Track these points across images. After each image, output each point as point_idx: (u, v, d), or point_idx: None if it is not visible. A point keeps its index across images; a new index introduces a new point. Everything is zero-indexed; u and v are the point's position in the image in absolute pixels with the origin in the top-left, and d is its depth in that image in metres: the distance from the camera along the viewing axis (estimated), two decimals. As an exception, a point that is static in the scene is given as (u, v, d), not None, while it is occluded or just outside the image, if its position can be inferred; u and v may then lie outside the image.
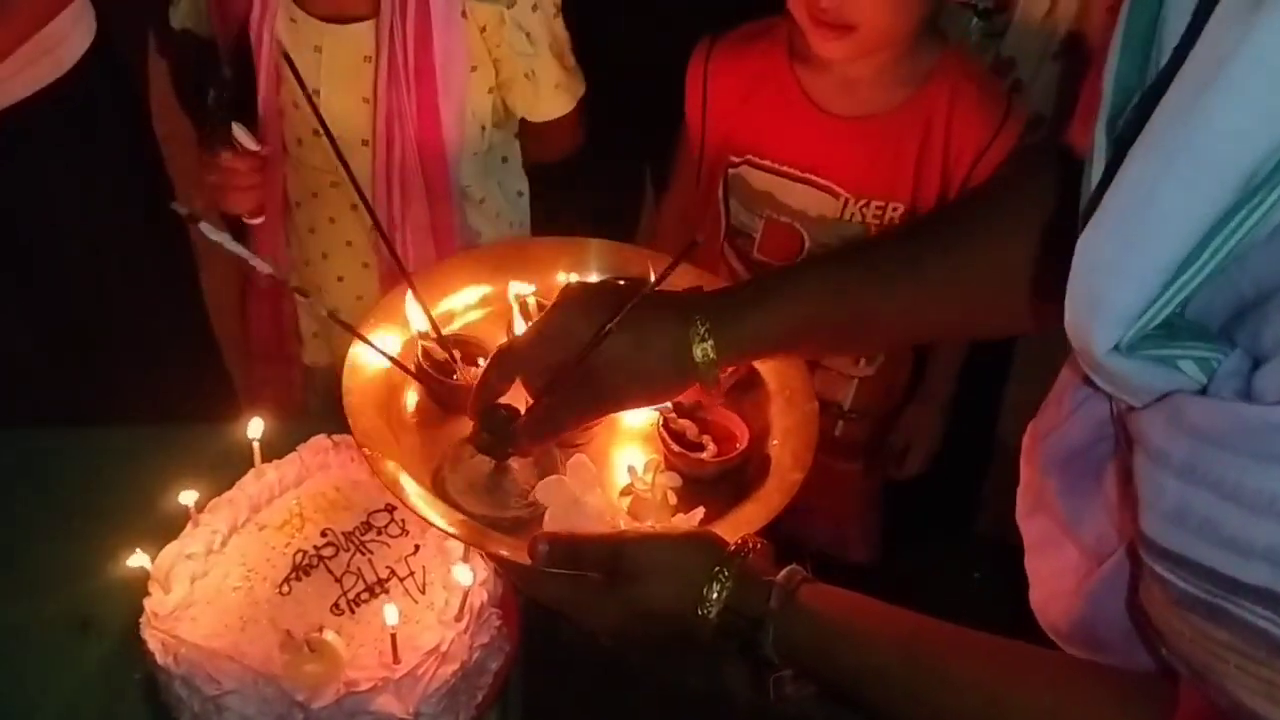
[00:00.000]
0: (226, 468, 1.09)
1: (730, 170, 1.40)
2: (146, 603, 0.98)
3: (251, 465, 1.08)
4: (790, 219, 1.39)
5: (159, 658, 0.95)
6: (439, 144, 1.34)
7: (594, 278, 1.00)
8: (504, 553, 0.80)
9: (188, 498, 1.04)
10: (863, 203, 1.36)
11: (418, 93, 1.30)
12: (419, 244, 1.38)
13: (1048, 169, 0.74)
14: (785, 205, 1.38)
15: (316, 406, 1.60)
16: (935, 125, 1.32)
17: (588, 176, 1.52)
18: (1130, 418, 0.57)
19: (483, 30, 1.33)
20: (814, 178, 1.36)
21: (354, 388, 0.89)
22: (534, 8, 1.34)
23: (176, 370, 1.60)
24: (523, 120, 1.44)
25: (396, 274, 1.37)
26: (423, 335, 0.95)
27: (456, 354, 0.94)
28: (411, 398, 0.95)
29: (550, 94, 1.39)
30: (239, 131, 1.28)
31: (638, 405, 0.89)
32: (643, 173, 1.75)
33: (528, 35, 1.34)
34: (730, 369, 0.89)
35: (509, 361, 0.87)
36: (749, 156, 1.39)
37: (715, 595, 0.77)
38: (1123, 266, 0.54)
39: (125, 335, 1.58)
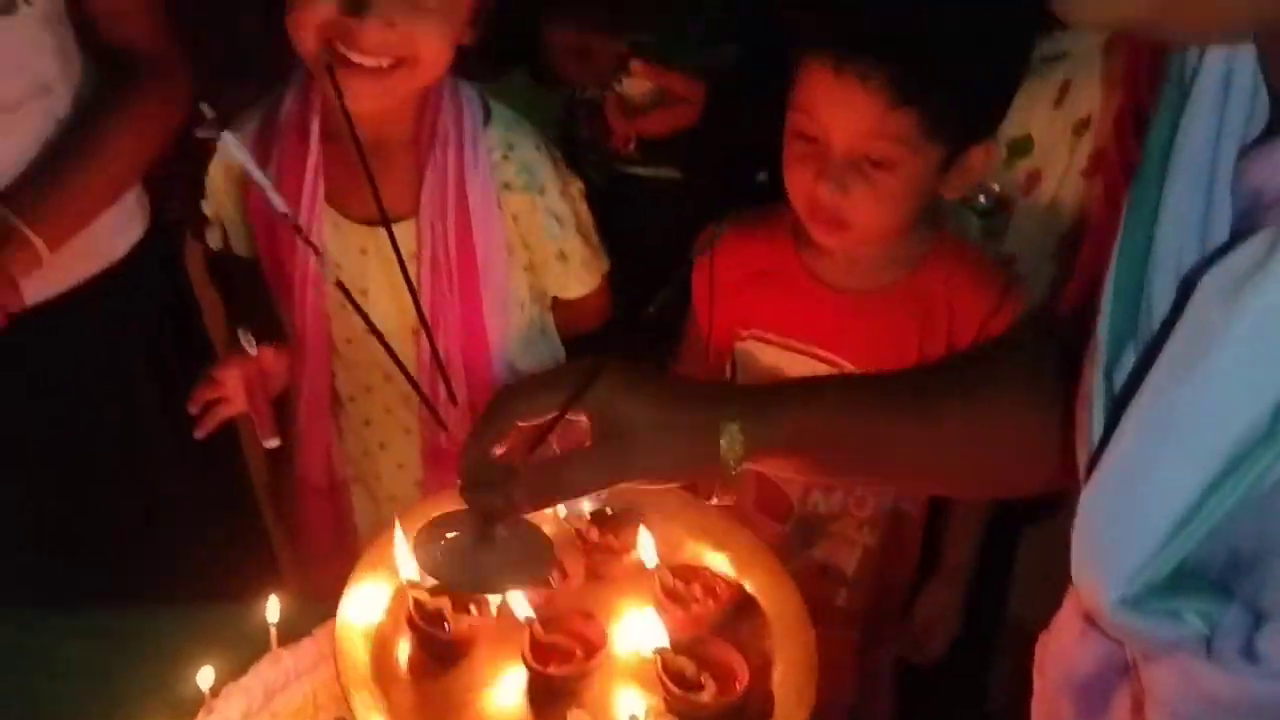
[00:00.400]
0: (246, 647, 1.09)
1: (737, 345, 1.45)
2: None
3: (268, 647, 1.08)
4: None
5: None
6: (480, 329, 1.42)
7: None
8: None
9: (204, 678, 1.04)
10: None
11: (460, 281, 1.38)
12: (465, 425, 1.41)
13: (1053, 334, 0.79)
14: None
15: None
16: (935, 301, 1.37)
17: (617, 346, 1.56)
18: (1142, 668, 0.61)
19: (515, 218, 1.41)
20: (818, 351, 1.40)
21: (344, 648, 0.91)
22: (561, 194, 1.42)
23: (214, 549, 1.61)
24: (555, 297, 1.52)
25: (440, 459, 1.43)
26: (412, 584, 0.95)
27: (447, 603, 0.94)
28: (404, 649, 0.96)
29: (579, 272, 1.48)
30: (244, 338, 1.35)
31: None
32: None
33: (557, 219, 1.42)
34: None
35: (511, 402, 0.81)
36: (755, 331, 1.44)
37: None
38: (1123, 528, 0.57)
39: (160, 515, 1.60)
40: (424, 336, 1.37)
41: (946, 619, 1.53)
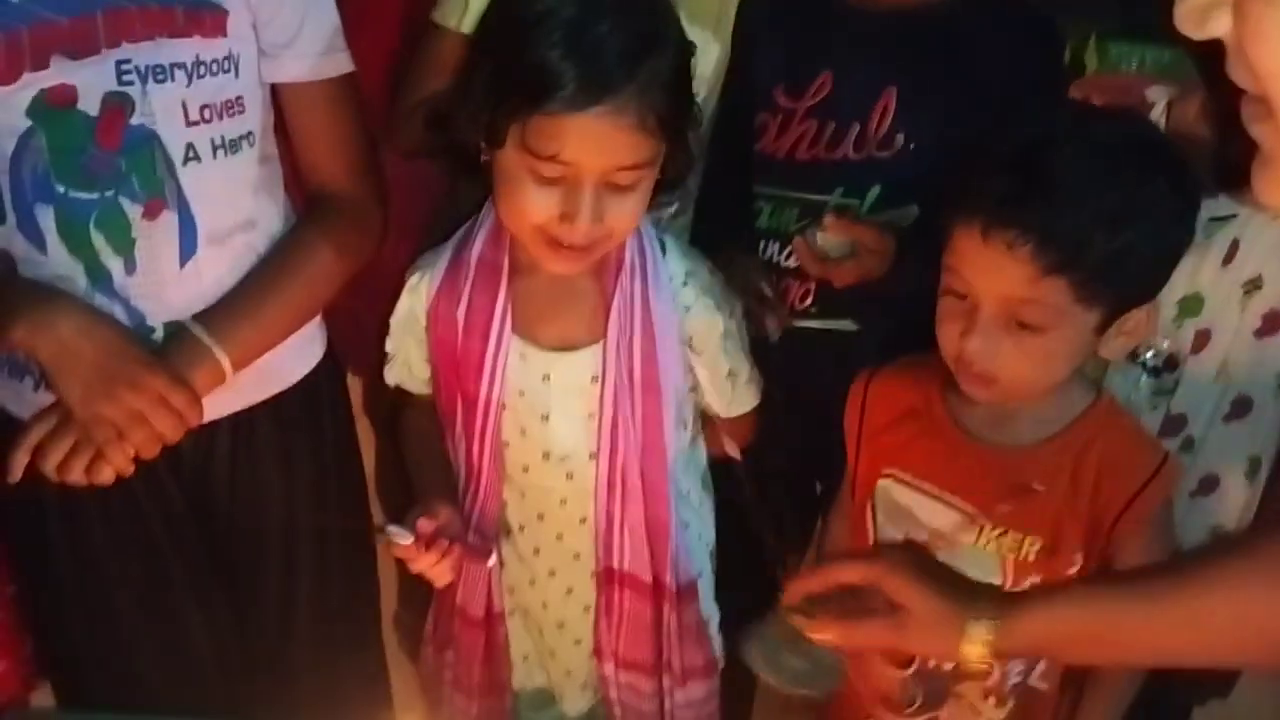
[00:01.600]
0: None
1: (878, 483, 1.45)
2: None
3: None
4: (927, 538, 1.41)
5: None
6: (660, 449, 1.45)
7: None
8: None
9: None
10: (999, 531, 1.37)
11: (643, 405, 1.42)
12: (635, 543, 1.46)
13: None
14: (923, 523, 1.41)
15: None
16: (1083, 466, 1.34)
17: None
18: None
19: (691, 340, 1.47)
20: (951, 498, 1.39)
21: None
22: (731, 315, 1.49)
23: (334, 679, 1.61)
24: (709, 417, 1.55)
25: (614, 581, 1.46)
26: None
27: None
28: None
29: (744, 390, 1.53)
30: (393, 532, 1.33)
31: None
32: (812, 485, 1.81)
33: (731, 340, 1.49)
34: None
35: (837, 562, 1.08)
36: (895, 471, 1.44)
37: None
38: None
39: (303, 648, 1.62)
40: (603, 458, 1.41)
41: None
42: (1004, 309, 1.25)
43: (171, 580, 1.52)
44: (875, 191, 1.61)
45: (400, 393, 1.59)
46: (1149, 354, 1.53)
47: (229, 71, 1.35)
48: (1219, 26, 0.53)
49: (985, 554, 1.38)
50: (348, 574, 1.64)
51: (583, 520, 1.49)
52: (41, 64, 1.24)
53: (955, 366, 1.32)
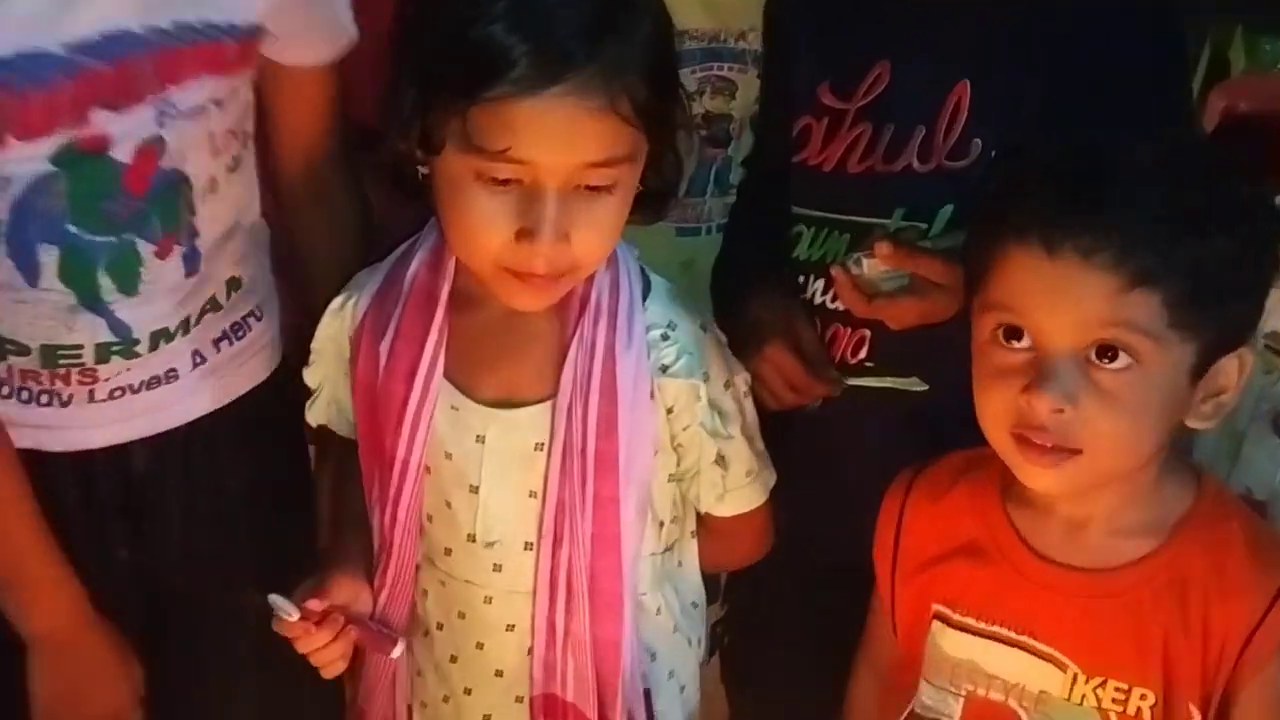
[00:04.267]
0: None
1: (929, 626, 1.19)
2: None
3: None
4: (1003, 695, 1.15)
5: None
6: (615, 542, 1.18)
7: None
8: None
9: None
10: (1097, 683, 1.11)
11: (596, 484, 1.16)
12: (579, 669, 1.20)
13: None
14: (995, 678, 1.15)
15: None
16: (1190, 590, 1.09)
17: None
18: None
19: (669, 411, 1.20)
20: (1032, 642, 1.13)
21: None
22: (726, 385, 1.22)
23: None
24: (701, 517, 1.28)
25: (556, 714, 1.20)
26: None
27: None
28: None
29: (740, 483, 1.24)
30: (275, 601, 1.16)
31: None
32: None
33: (721, 414, 1.21)
34: None
35: None
36: (944, 612, 1.18)
37: None
38: None
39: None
40: (544, 550, 1.16)
41: None
42: (1083, 343, 1.03)
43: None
44: (947, 212, 1.31)
45: (324, 435, 1.37)
46: None
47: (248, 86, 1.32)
48: None
49: (1084, 711, 1.13)
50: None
51: (510, 628, 1.22)
52: (80, 119, 1.18)
53: (1015, 445, 1.06)
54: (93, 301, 1.28)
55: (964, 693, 1.16)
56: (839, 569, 1.32)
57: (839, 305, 1.33)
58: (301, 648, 1.18)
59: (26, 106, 1.16)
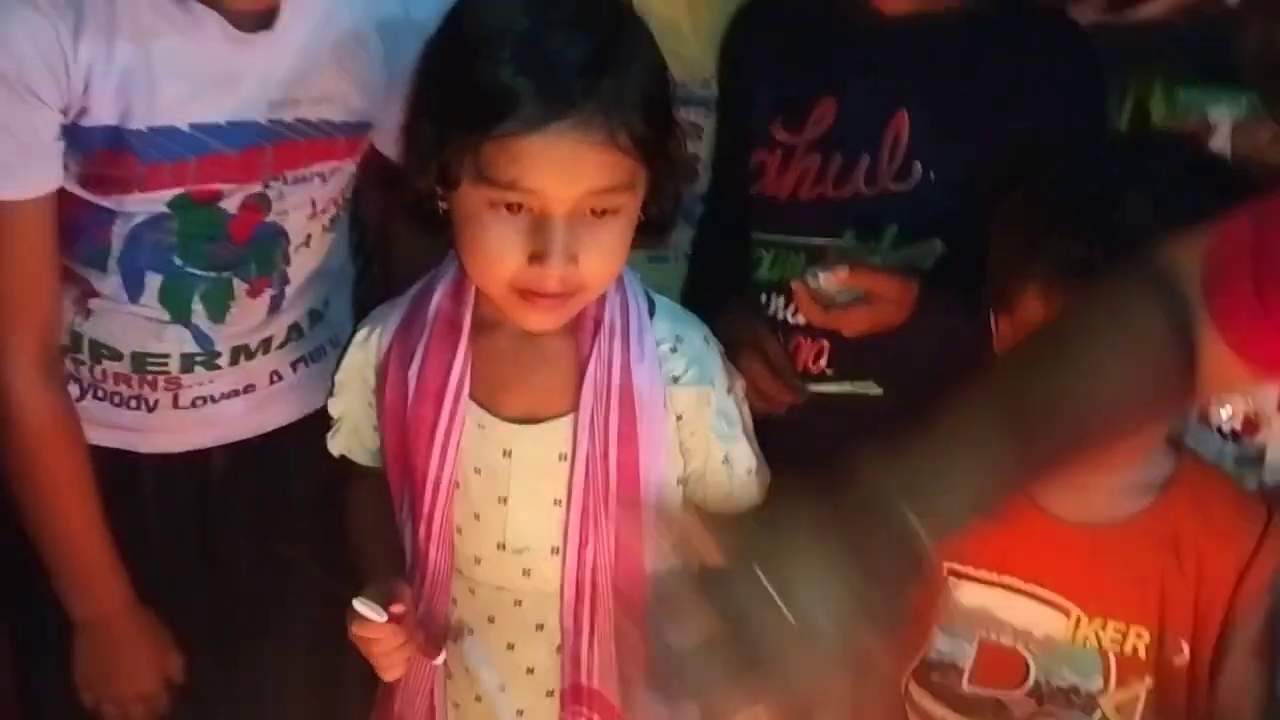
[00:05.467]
0: None
1: (943, 584, 1.29)
2: None
3: None
4: (1012, 641, 1.26)
5: None
6: (638, 541, 1.25)
7: None
8: None
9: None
10: (1099, 624, 1.24)
11: (619, 487, 1.25)
12: (605, 661, 1.27)
13: None
14: (1006, 624, 1.26)
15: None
16: (1182, 537, 1.23)
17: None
18: None
19: (679, 418, 1.28)
20: (1040, 590, 1.25)
21: None
22: (729, 390, 1.30)
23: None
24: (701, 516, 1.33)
25: (582, 700, 1.28)
26: None
27: None
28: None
29: (744, 481, 1.33)
30: (361, 606, 1.20)
31: None
32: None
33: (726, 419, 1.30)
34: None
35: None
36: (960, 568, 1.28)
37: None
38: None
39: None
40: (570, 553, 1.24)
41: None
42: None
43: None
44: (893, 230, 1.44)
45: (345, 463, 1.42)
46: (1223, 412, 1.40)
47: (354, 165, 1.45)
48: None
49: (1085, 653, 1.25)
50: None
51: (539, 627, 1.30)
52: (201, 184, 1.34)
53: None
54: (183, 320, 1.41)
55: (976, 639, 1.26)
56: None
57: (800, 319, 1.45)
58: (377, 650, 1.23)
59: (154, 172, 1.30)
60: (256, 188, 1.36)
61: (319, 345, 1.53)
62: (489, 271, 1.20)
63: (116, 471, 1.43)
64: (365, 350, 1.34)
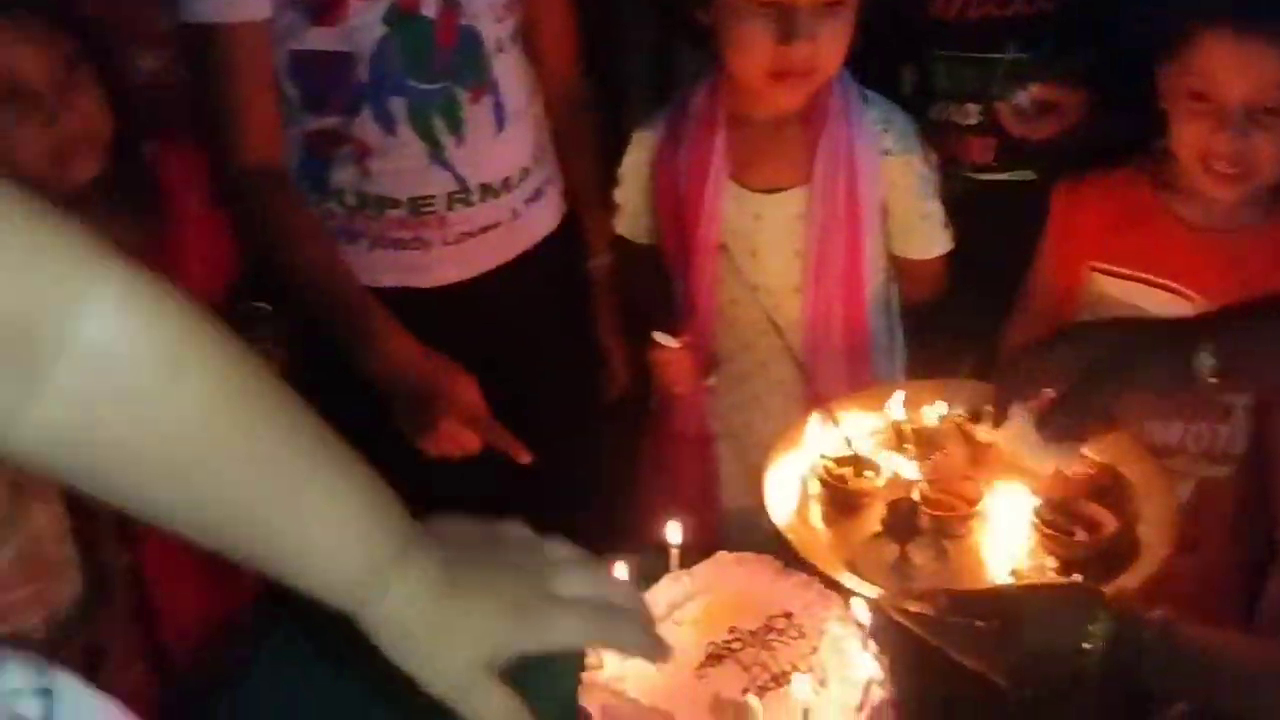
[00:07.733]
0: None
1: (1090, 279, 1.53)
2: (585, 676, 1.07)
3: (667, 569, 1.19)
4: None
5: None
6: (861, 285, 1.57)
7: (959, 410, 1.31)
8: (915, 608, 0.98)
9: (619, 571, 1.06)
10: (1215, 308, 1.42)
11: (848, 240, 1.54)
12: (836, 378, 1.56)
13: None
14: (1144, 311, 1.48)
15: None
16: None
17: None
18: None
19: (890, 183, 1.57)
20: (1174, 285, 1.46)
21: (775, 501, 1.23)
22: (925, 158, 1.58)
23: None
24: (902, 265, 1.64)
25: (824, 404, 1.50)
26: (823, 455, 1.29)
27: (849, 470, 1.26)
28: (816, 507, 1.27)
29: (937, 233, 1.61)
30: (660, 337, 1.54)
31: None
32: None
33: (926, 181, 1.58)
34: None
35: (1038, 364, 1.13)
36: (1108, 266, 1.51)
37: (1097, 631, 0.89)
38: None
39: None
40: (809, 293, 1.54)
41: None
42: (1255, 99, 1.34)
43: None
44: (1050, 43, 1.67)
45: (622, 242, 1.73)
46: None
47: None
48: None
49: None
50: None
51: (785, 350, 1.59)
52: None
53: (1203, 166, 1.40)
54: (435, 149, 1.55)
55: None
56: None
57: (970, 121, 1.72)
58: (671, 370, 1.58)
59: None
60: None
61: (540, 185, 1.67)
62: (747, 58, 1.46)
63: (399, 305, 1.49)
64: (640, 148, 1.65)
